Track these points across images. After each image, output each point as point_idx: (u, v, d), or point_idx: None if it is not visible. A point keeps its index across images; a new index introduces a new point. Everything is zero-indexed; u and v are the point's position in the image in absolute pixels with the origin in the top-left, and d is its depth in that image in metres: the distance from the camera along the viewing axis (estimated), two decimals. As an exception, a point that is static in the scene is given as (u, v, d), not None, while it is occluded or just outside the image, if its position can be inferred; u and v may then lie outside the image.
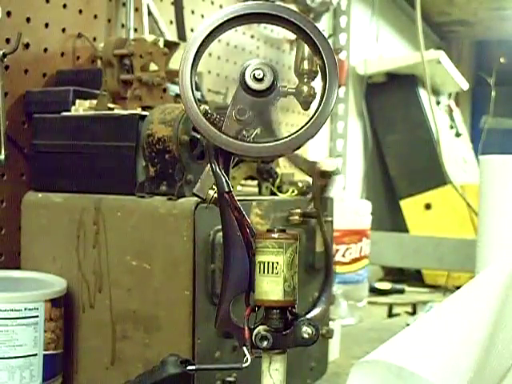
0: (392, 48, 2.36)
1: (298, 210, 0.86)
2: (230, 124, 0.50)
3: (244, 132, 0.50)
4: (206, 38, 0.49)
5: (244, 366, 0.50)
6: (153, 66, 0.89)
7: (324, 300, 0.82)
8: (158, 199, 0.75)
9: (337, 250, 1.35)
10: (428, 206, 2.03)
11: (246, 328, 0.51)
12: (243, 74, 0.50)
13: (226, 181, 0.51)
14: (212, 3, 1.37)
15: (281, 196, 0.91)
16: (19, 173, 0.91)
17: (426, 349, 0.59)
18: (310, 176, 0.87)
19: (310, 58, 0.51)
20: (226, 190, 0.51)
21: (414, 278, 1.98)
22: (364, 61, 2.04)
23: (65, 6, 0.98)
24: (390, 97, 2.10)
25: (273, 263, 0.50)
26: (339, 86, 0.51)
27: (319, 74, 0.50)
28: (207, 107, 0.50)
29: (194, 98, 0.49)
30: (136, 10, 1.10)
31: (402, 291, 1.77)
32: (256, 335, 0.50)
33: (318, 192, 0.86)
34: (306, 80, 0.51)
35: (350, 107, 2.01)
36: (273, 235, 0.50)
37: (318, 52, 0.49)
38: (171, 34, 1.18)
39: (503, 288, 0.67)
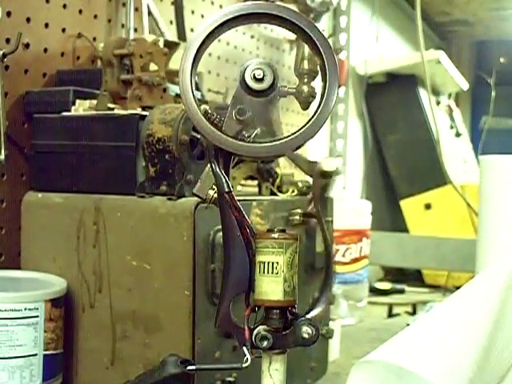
0: (392, 48, 2.36)
1: (299, 210, 0.86)
2: (230, 124, 0.50)
3: (244, 132, 0.50)
4: (206, 38, 0.49)
5: (244, 366, 0.50)
6: (153, 66, 0.89)
7: (324, 300, 0.82)
8: (158, 199, 0.75)
9: (337, 250, 1.35)
10: (428, 206, 2.03)
11: (246, 328, 0.51)
12: (243, 74, 0.50)
13: (226, 181, 0.51)
14: (212, 3, 1.37)
15: (281, 196, 0.91)
16: (19, 173, 0.91)
17: (426, 349, 0.59)
18: (310, 176, 0.87)
19: (310, 58, 0.51)
20: (226, 190, 0.51)
21: (414, 277, 1.98)
22: (364, 61, 2.04)
23: (65, 6, 0.98)
24: (390, 97, 2.10)
25: (273, 263, 0.50)
26: (339, 86, 0.51)
27: (319, 73, 0.50)
28: (207, 107, 0.50)
29: (194, 98, 0.49)
30: (136, 9, 1.10)
31: (402, 291, 1.78)
32: (256, 335, 0.50)
33: (318, 192, 0.86)
34: (306, 80, 0.51)
35: (350, 107, 2.01)
36: (273, 235, 0.50)
37: (318, 52, 0.49)
38: (171, 34, 1.18)
39: (503, 288, 0.67)
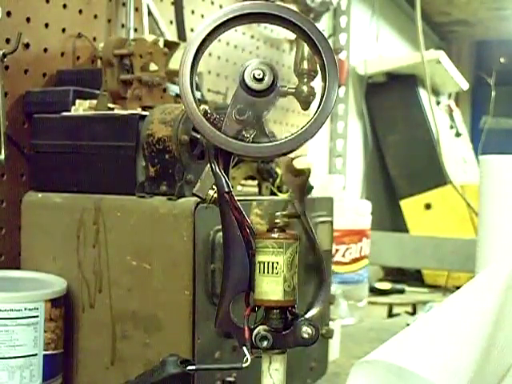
0: (392, 48, 2.36)
1: (281, 213, 0.85)
2: (230, 124, 0.50)
3: (244, 132, 0.50)
4: (205, 38, 0.49)
5: (244, 366, 0.50)
6: (153, 66, 0.89)
7: (320, 300, 0.82)
8: (158, 199, 0.75)
9: (337, 250, 1.36)
10: (428, 206, 2.03)
11: (246, 328, 0.51)
12: (243, 74, 0.50)
13: (225, 181, 0.51)
14: (212, 3, 1.37)
15: (281, 196, 0.91)
16: (19, 173, 0.91)
17: (426, 349, 0.59)
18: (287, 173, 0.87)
19: (310, 58, 0.51)
20: (226, 190, 0.51)
21: (414, 278, 1.98)
22: (364, 61, 2.04)
23: (65, 6, 0.98)
24: (390, 97, 2.10)
25: (273, 263, 0.50)
26: (339, 86, 0.51)
27: (319, 73, 0.50)
28: (207, 107, 0.50)
29: (194, 98, 0.49)
30: (136, 9, 1.10)
31: (402, 291, 1.78)
32: (256, 335, 0.50)
33: (297, 190, 0.86)
34: (305, 80, 0.51)
35: (350, 107, 2.01)
36: (273, 235, 0.50)
37: (318, 52, 0.49)
38: (171, 34, 1.18)
39: (503, 288, 0.67)
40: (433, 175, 1.99)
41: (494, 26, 2.82)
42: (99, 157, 0.81)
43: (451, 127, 2.31)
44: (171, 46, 0.94)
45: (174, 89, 0.93)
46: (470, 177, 2.12)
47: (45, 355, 0.73)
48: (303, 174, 0.85)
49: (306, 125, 0.49)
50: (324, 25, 1.85)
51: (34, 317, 0.72)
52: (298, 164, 0.84)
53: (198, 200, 0.58)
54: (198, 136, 0.76)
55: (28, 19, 0.91)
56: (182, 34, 1.20)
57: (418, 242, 1.77)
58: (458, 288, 0.72)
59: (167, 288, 0.73)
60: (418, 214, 2.04)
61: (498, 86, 2.30)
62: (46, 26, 0.95)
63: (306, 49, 0.50)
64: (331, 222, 1.00)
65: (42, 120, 0.86)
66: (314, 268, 0.89)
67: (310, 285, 0.92)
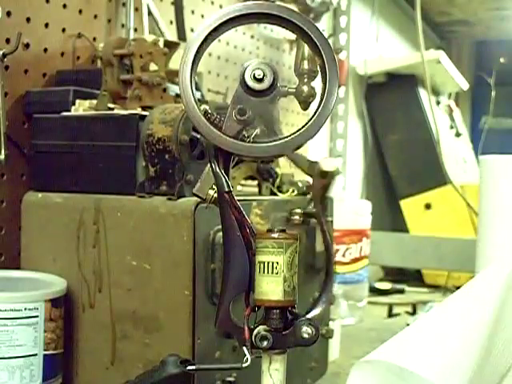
0: (392, 48, 2.36)
1: (299, 210, 0.86)
2: (230, 124, 0.50)
3: (244, 132, 0.50)
4: (205, 37, 0.50)
5: (244, 366, 0.50)
6: (153, 66, 0.89)
7: (324, 300, 0.82)
8: (158, 199, 0.75)
9: (337, 250, 1.35)
10: (428, 206, 2.03)
11: (246, 328, 0.51)
12: (243, 74, 0.50)
13: (225, 181, 0.51)
14: (212, 3, 1.37)
15: (281, 196, 0.91)
16: (19, 173, 0.91)
17: (426, 349, 0.59)
18: (310, 176, 0.87)
19: (310, 58, 0.51)
20: (226, 189, 0.51)
21: (414, 278, 1.98)
22: (364, 61, 2.04)
23: (65, 6, 0.98)
24: (390, 97, 2.10)
25: (273, 263, 0.50)
26: (339, 86, 0.51)
27: (319, 73, 0.50)
28: (207, 107, 0.50)
29: (194, 98, 0.49)
30: (136, 9, 1.10)
31: (402, 291, 1.78)
32: (256, 335, 0.50)
33: (319, 192, 0.86)
34: (306, 80, 0.51)
35: (350, 107, 2.01)
36: (273, 235, 0.50)
37: (318, 52, 0.49)
38: (171, 34, 1.18)
39: (503, 288, 0.67)
40: (433, 175, 1.99)
41: (494, 25, 2.82)
42: (99, 157, 0.81)
43: (451, 127, 2.31)
44: (171, 46, 0.94)
45: (174, 89, 0.93)
46: (470, 177, 2.12)
47: (45, 355, 0.73)
48: (328, 175, 0.85)
49: (306, 125, 0.49)
50: (324, 25, 1.85)
51: (34, 317, 0.72)
52: (325, 166, 0.84)
53: (198, 200, 0.58)
54: (198, 136, 0.76)
55: (28, 19, 0.91)
56: (181, 34, 1.20)
57: (418, 242, 1.77)
58: (458, 288, 0.72)
59: (167, 288, 0.73)
60: (418, 214, 2.04)
61: (497, 86, 2.30)
62: (46, 25, 0.95)
63: (306, 49, 0.50)
64: (331, 222, 1.00)
65: (42, 120, 0.86)
66: (321, 267, 0.89)
67: (310, 285, 0.92)
